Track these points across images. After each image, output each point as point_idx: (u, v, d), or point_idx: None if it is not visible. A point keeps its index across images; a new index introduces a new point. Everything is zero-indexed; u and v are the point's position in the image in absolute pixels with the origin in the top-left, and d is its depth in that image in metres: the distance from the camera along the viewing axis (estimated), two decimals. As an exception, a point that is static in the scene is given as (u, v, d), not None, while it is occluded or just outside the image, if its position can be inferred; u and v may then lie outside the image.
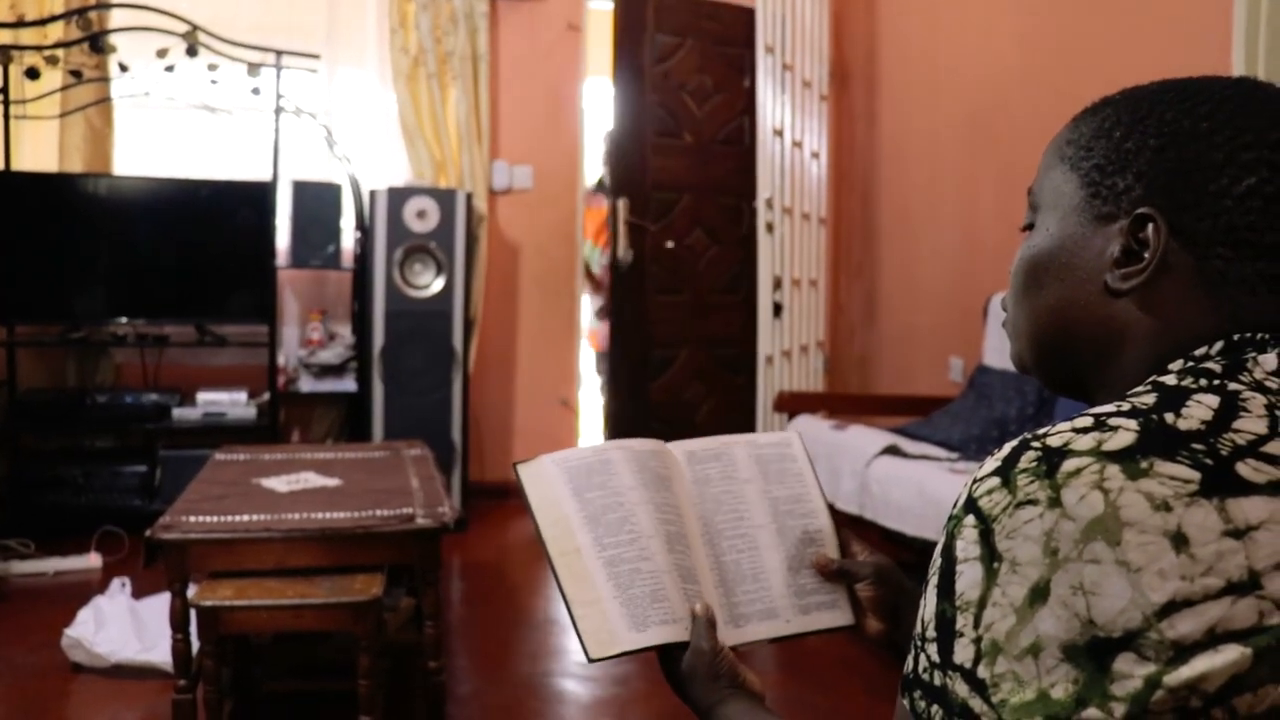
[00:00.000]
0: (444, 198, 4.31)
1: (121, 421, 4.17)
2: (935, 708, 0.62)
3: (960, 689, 0.60)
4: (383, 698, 2.23)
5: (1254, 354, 0.65)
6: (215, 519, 2.20)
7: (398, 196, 4.27)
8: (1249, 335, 0.67)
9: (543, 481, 0.97)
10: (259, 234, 4.20)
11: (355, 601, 2.11)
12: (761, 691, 0.92)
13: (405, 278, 4.28)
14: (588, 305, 5.60)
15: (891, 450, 3.03)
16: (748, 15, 4.58)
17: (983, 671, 0.59)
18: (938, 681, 0.62)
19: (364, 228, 4.38)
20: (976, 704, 0.59)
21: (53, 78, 4.13)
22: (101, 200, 4.16)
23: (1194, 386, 0.64)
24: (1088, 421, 0.62)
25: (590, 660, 0.89)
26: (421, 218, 4.27)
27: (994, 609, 0.59)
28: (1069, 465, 0.59)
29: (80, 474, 4.06)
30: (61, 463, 4.10)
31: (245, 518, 2.22)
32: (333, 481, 2.57)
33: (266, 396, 4.28)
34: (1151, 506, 0.57)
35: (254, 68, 4.14)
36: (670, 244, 4.58)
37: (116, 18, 4.25)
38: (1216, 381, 0.64)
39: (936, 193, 4.21)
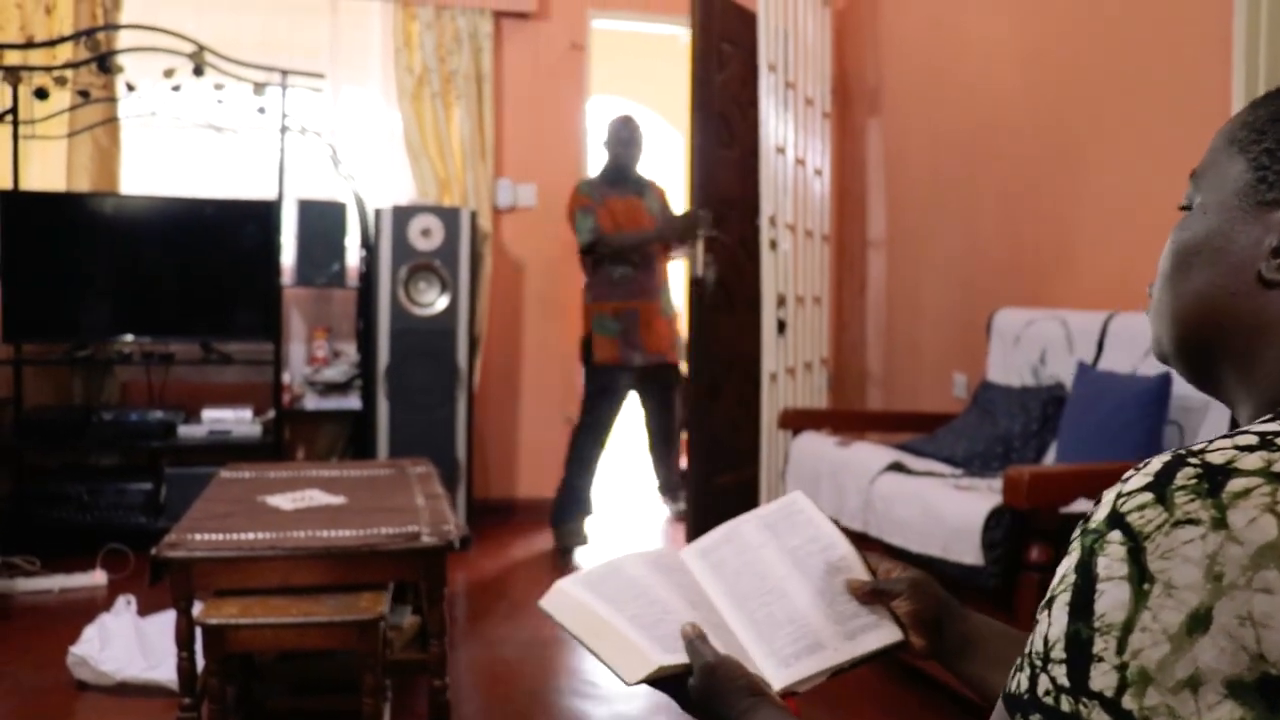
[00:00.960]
0: (448, 216, 4.32)
1: (127, 439, 4.17)
2: None
3: (1099, 718, 0.55)
4: (387, 716, 2.23)
5: None
6: (220, 537, 2.21)
7: (402, 215, 4.28)
8: None
9: (561, 595, 0.99)
10: (264, 252, 4.22)
11: (360, 620, 2.12)
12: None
13: (410, 296, 4.29)
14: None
15: (896, 467, 3.03)
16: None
17: (1129, 703, 0.54)
18: (1067, 708, 0.57)
19: (369, 246, 4.40)
20: None
21: (61, 98, 4.17)
22: (108, 219, 4.18)
23: None
24: (1252, 440, 0.58)
25: (629, 684, 0.91)
26: (426, 236, 4.29)
27: (1143, 634, 0.54)
28: (1236, 485, 0.55)
29: (86, 491, 4.07)
30: (67, 480, 4.10)
31: (250, 536, 2.23)
32: (338, 499, 2.58)
33: (271, 414, 4.29)
34: None
35: (259, 87, 4.17)
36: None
37: (124, 38, 4.29)
38: None
39: (939, 209, 4.22)
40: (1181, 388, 2.54)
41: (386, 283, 4.26)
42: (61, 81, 4.09)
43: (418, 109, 4.68)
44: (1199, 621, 0.53)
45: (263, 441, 4.20)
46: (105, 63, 4.08)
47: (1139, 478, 0.58)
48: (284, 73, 4.18)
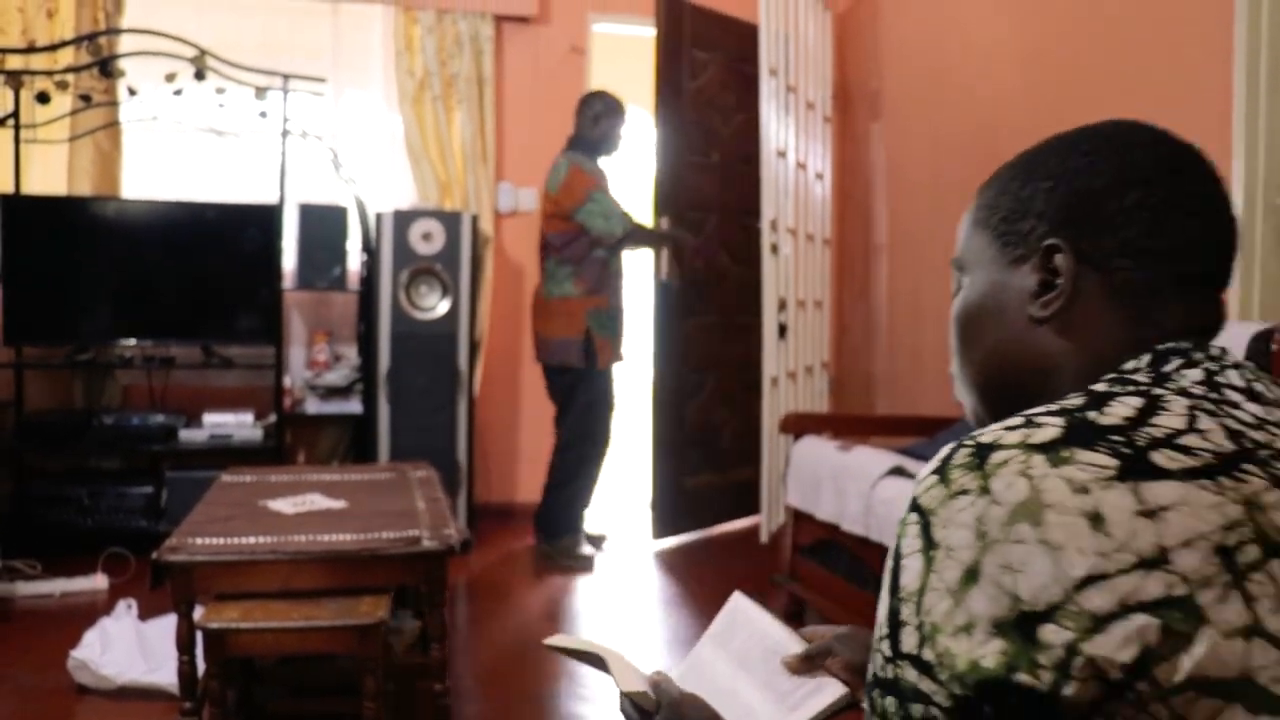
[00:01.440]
0: (449, 220, 4.33)
1: (128, 443, 4.18)
2: (889, 699, 0.66)
3: (910, 675, 0.64)
4: (388, 720, 2.22)
5: (1180, 364, 0.72)
6: (221, 541, 2.21)
7: (403, 219, 4.29)
8: (1171, 345, 0.74)
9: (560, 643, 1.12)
10: (265, 256, 4.22)
11: (361, 624, 2.11)
12: None
13: (411, 299, 4.30)
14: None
15: (897, 471, 3.03)
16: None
17: (927, 654, 0.63)
18: (892, 675, 0.65)
19: (370, 250, 4.40)
20: (926, 685, 0.63)
21: (62, 102, 4.18)
22: (109, 223, 4.19)
23: (1120, 391, 0.70)
24: (1018, 421, 0.67)
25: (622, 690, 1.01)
26: (427, 240, 4.29)
27: (932, 594, 0.63)
28: (997, 457, 0.64)
29: (86, 495, 4.07)
30: (68, 484, 4.11)
31: (251, 539, 2.23)
32: (338, 503, 2.58)
33: (272, 418, 4.29)
34: (1071, 490, 0.61)
35: (261, 91, 4.17)
36: (699, 264, 4.52)
37: (126, 42, 4.30)
38: (1142, 388, 0.70)
39: (940, 213, 4.22)
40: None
41: (387, 287, 4.26)
42: (63, 85, 4.10)
43: (419, 113, 4.69)
44: (972, 575, 0.62)
45: (264, 445, 4.20)
46: (107, 67, 4.09)
47: (930, 464, 0.68)
48: (285, 77, 4.18)
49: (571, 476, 4.24)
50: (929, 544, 0.65)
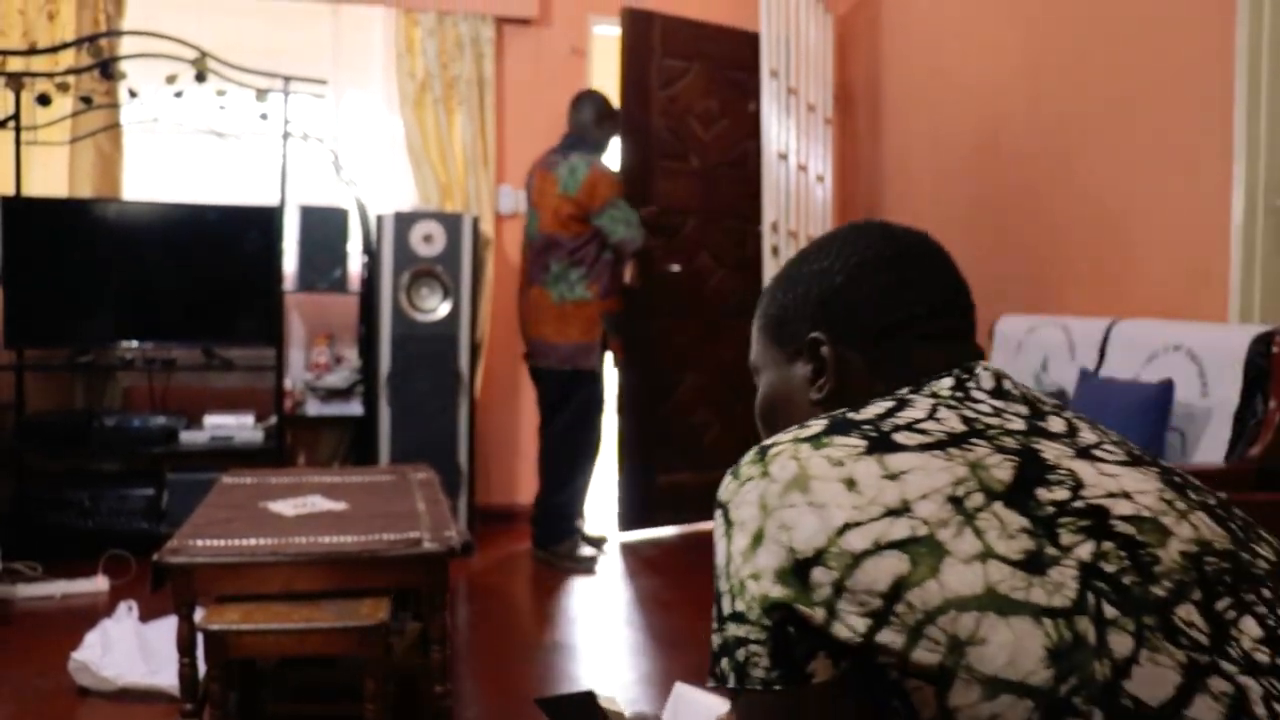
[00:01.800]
0: (450, 222, 4.33)
1: (129, 444, 4.18)
2: (722, 661, 0.77)
3: (730, 630, 0.77)
4: (389, 722, 2.22)
5: (932, 380, 0.89)
6: (222, 543, 2.21)
7: (404, 221, 4.29)
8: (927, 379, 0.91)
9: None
10: (266, 258, 4.22)
11: (362, 626, 2.11)
12: None
13: (412, 301, 4.30)
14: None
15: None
16: (752, 39, 4.60)
17: (739, 605, 0.76)
18: (719, 641, 0.78)
19: (371, 252, 4.41)
20: (743, 630, 0.76)
21: (63, 104, 4.18)
22: (110, 225, 4.19)
23: (880, 401, 0.86)
24: (795, 428, 0.84)
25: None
26: (428, 242, 4.30)
27: (734, 561, 0.77)
28: (774, 450, 0.80)
29: (87, 497, 4.07)
30: (69, 485, 4.11)
31: (252, 541, 2.23)
32: (339, 505, 2.58)
33: (273, 420, 4.29)
34: (830, 464, 0.77)
35: (262, 93, 4.18)
36: (676, 267, 4.55)
37: (127, 44, 4.30)
38: (897, 396, 0.87)
39: (940, 215, 4.22)
40: (1184, 395, 2.54)
41: (388, 288, 4.26)
42: (64, 88, 4.10)
43: (420, 115, 4.69)
44: (758, 538, 0.76)
45: (264, 447, 4.20)
46: (108, 69, 4.09)
47: (730, 471, 0.82)
48: (286, 79, 4.18)
49: (569, 479, 4.23)
50: (728, 526, 0.79)
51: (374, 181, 4.75)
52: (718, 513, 0.81)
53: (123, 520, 4.06)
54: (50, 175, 4.29)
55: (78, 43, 4.16)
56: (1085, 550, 0.74)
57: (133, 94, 4.21)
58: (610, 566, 4.22)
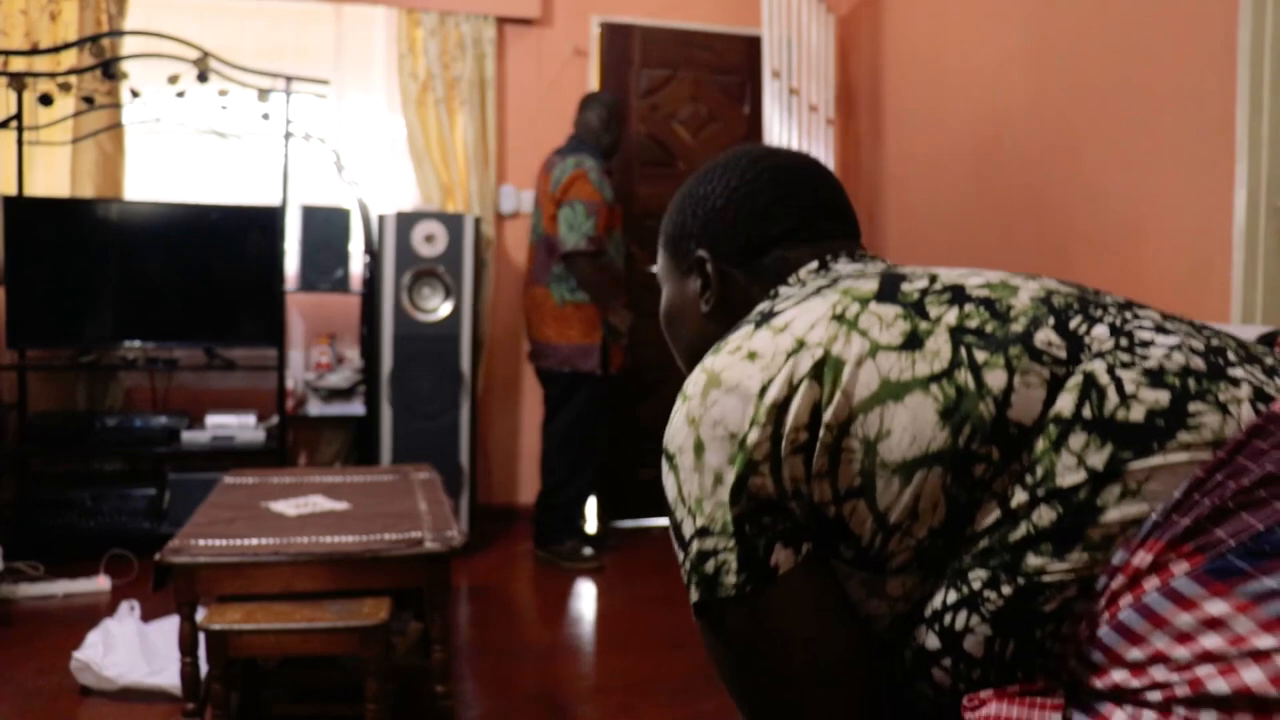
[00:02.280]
0: (452, 222, 4.33)
1: (130, 444, 4.18)
2: (692, 580, 0.84)
3: (695, 547, 0.83)
4: (390, 722, 2.22)
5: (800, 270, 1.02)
6: (224, 543, 2.21)
7: (406, 221, 4.29)
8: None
9: None
10: (268, 258, 4.22)
11: (363, 626, 2.12)
12: None
13: (413, 301, 4.30)
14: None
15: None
16: (747, 43, 4.63)
17: (700, 521, 0.83)
18: (687, 565, 0.84)
19: (372, 252, 4.41)
20: (709, 543, 0.82)
21: (65, 104, 4.18)
22: (112, 225, 4.19)
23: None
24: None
25: None
26: (429, 242, 4.30)
27: (685, 486, 0.84)
28: (687, 381, 0.90)
29: (89, 497, 4.07)
30: (71, 486, 4.11)
31: (254, 541, 2.23)
32: (341, 505, 2.58)
33: (275, 420, 4.29)
34: (730, 354, 0.87)
35: (264, 93, 4.18)
36: (655, 267, 4.57)
37: (129, 45, 4.31)
38: (770, 296, 1.00)
39: (943, 215, 4.22)
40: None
41: (390, 289, 4.27)
42: (66, 88, 4.10)
43: (421, 115, 4.69)
44: (699, 448, 0.84)
45: (266, 447, 4.20)
46: (110, 69, 4.09)
47: None
48: (288, 79, 4.19)
49: (569, 480, 4.24)
50: (669, 461, 0.87)
51: (376, 182, 4.75)
52: (662, 460, 0.89)
53: (125, 520, 4.06)
54: (52, 175, 4.29)
55: (80, 43, 4.16)
56: (951, 315, 0.84)
57: (135, 94, 4.21)
58: (611, 566, 4.22)
